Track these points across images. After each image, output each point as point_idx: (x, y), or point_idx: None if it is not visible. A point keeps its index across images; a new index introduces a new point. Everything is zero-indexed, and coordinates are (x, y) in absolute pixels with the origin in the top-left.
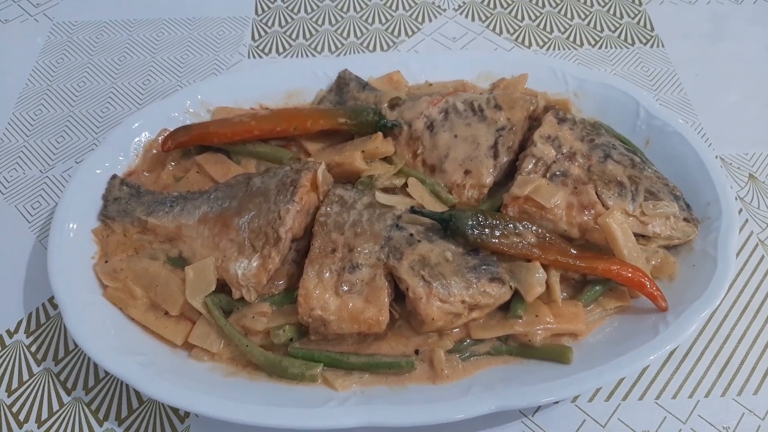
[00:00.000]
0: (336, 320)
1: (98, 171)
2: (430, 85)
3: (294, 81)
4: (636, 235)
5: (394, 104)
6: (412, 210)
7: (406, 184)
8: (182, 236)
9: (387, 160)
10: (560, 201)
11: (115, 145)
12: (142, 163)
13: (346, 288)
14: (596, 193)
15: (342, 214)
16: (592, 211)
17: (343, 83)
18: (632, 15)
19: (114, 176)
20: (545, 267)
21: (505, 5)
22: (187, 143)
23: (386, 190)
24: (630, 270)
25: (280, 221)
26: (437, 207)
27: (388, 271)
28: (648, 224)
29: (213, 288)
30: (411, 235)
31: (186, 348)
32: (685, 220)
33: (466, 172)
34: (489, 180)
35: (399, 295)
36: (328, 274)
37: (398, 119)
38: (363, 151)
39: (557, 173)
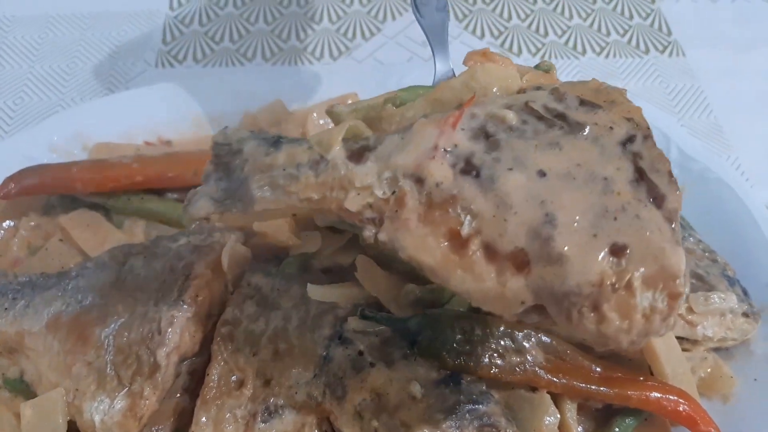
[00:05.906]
0: None
1: None
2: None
3: (209, 102)
4: (679, 338)
5: (361, 150)
6: (362, 314)
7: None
8: (25, 348)
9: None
10: None
11: None
12: None
13: None
14: None
15: (258, 320)
16: None
17: (228, 155)
18: (644, 15)
19: None
20: (556, 397)
21: (487, 0)
22: (40, 189)
23: (328, 272)
24: (675, 399)
25: (159, 338)
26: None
27: (323, 416)
28: (697, 325)
29: None
30: (360, 353)
31: None
32: (744, 315)
33: (616, 251)
34: (683, 261)
35: None
36: (231, 425)
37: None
38: (294, 215)
39: None
